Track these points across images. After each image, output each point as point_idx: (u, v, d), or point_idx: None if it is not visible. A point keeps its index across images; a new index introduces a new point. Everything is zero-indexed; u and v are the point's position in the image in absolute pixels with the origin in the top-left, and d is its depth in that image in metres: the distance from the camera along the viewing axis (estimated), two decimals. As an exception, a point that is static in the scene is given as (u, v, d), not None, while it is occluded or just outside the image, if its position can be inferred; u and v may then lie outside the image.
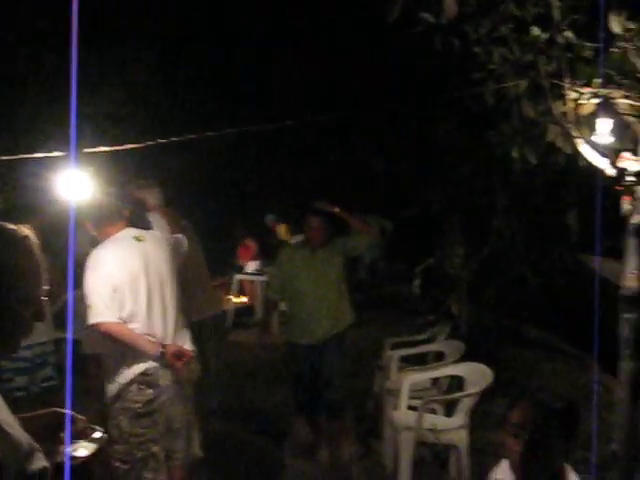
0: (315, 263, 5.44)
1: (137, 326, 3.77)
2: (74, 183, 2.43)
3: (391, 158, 7.77)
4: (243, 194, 12.64)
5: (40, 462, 1.58)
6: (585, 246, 8.58)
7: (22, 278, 1.61)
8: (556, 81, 3.85)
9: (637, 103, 3.67)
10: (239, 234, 11.72)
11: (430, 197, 7.11)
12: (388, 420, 5.31)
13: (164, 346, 3.80)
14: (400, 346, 6.33)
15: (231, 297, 10.91)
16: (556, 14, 3.73)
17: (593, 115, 3.71)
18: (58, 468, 1.70)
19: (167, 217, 4.62)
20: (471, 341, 6.25)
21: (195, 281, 5.19)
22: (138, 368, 3.76)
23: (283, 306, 6.25)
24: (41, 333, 4.41)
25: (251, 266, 11.26)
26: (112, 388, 3.81)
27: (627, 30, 3.56)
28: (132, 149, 3.54)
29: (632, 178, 3.53)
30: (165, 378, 3.83)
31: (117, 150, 3.43)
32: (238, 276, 11.11)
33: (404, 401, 5.16)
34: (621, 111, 3.68)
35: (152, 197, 4.78)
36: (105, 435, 2.02)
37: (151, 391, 3.78)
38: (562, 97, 3.84)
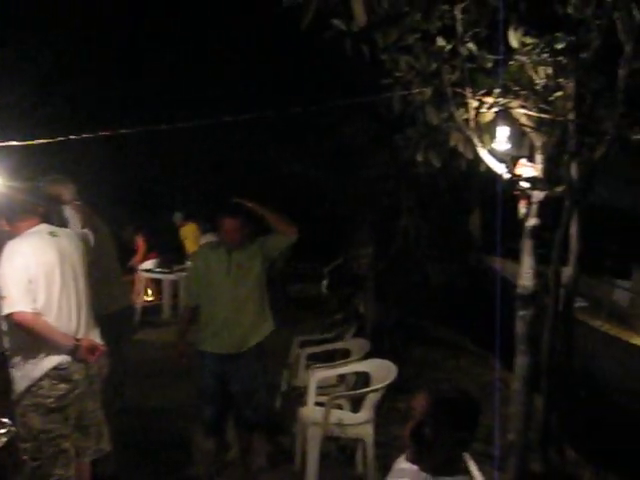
0: (231, 266, 4.94)
1: (50, 319, 3.73)
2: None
3: (301, 159, 7.87)
4: (154, 191, 12.50)
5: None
6: (489, 248, 8.97)
7: None
8: (459, 90, 4.05)
9: (533, 113, 3.91)
10: (126, 234, 11.53)
11: (339, 198, 7.25)
12: (296, 416, 5.39)
13: (78, 339, 3.78)
14: (308, 344, 6.44)
15: (139, 295, 10.78)
16: (459, 27, 3.92)
17: (493, 123, 3.92)
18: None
19: (80, 212, 4.62)
20: (377, 339, 6.44)
21: (106, 274, 5.15)
22: (51, 362, 3.71)
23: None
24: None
25: (147, 265, 11.10)
26: (21, 383, 3.74)
27: (524, 45, 3.79)
28: (44, 144, 3.51)
29: (527, 183, 3.75)
30: (78, 372, 3.80)
31: (28, 145, 3.39)
32: (144, 274, 10.97)
33: (311, 397, 5.25)
34: (518, 120, 3.91)
35: (66, 192, 4.73)
36: (13, 429, 2.02)
37: (64, 386, 3.74)
38: (464, 105, 4.04)
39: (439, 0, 3.91)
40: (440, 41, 4.07)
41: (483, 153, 3.91)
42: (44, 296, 3.71)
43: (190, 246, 11.71)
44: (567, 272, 3.82)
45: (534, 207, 3.83)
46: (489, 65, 3.99)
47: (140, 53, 9.98)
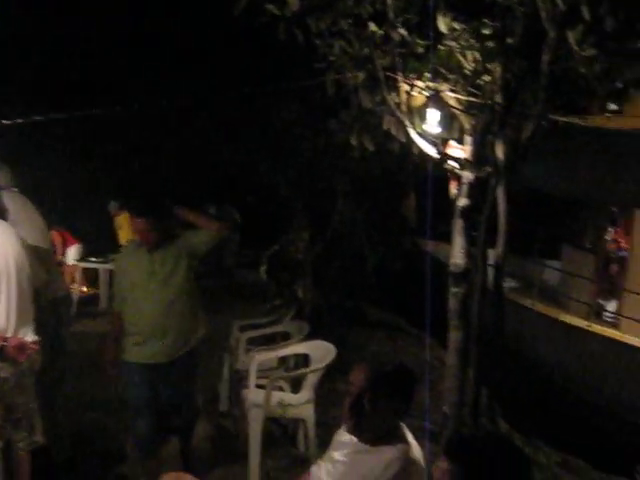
0: (154, 267, 4.47)
1: None
2: None
3: (236, 145, 7.87)
4: (90, 179, 12.31)
5: None
6: (424, 231, 9.16)
7: None
8: (391, 74, 4.15)
9: (462, 96, 4.05)
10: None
11: (275, 182, 7.28)
12: (238, 399, 5.45)
13: (5, 339, 3.71)
14: (247, 328, 6.48)
15: (75, 285, 10.60)
16: (391, 12, 4.02)
17: (424, 106, 4.04)
18: None
19: (15, 199, 4.52)
20: (316, 322, 6.52)
21: (42, 263, 5.03)
22: None
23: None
24: None
25: (70, 253, 10.88)
26: None
27: (453, 30, 3.91)
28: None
29: (456, 164, 3.89)
30: (5, 370, 3.75)
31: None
32: (81, 264, 10.78)
33: (253, 380, 5.31)
34: (448, 103, 4.04)
35: (2, 177, 4.64)
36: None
37: None
38: (396, 89, 4.14)
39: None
40: (372, 26, 4.16)
41: (415, 136, 4.03)
42: None
43: (124, 236, 11.59)
44: (496, 251, 3.96)
45: (464, 188, 3.96)
46: (420, 50, 4.10)
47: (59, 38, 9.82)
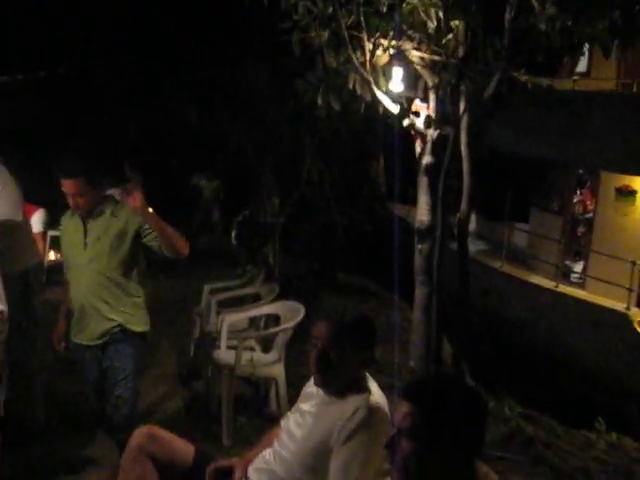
0: (87, 239, 3.92)
1: None
2: None
3: (203, 108, 7.80)
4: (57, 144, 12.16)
5: None
6: (393, 195, 9.22)
7: None
8: (355, 33, 4.16)
9: (426, 55, 4.08)
10: None
11: (243, 145, 7.26)
12: (209, 361, 5.49)
13: None
14: (218, 291, 6.51)
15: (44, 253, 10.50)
16: (354, -30, 4.02)
17: (388, 65, 4.06)
18: None
19: None
20: (285, 286, 6.56)
21: (14, 230, 4.92)
22: None
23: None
24: None
25: (34, 220, 10.77)
26: None
27: (415, -13, 3.92)
28: None
29: (420, 123, 3.93)
30: None
31: None
32: (50, 232, 10.67)
33: (224, 341, 5.34)
34: (412, 62, 4.07)
35: None
36: None
37: None
38: (361, 48, 4.16)
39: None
40: (336, -16, 4.15)
41: (380, 94, 4.06)
42: None
43: None
44: (461, 208, 4.02)
45: (428, 145, 4.01)
46: (383, 8, 4.11)
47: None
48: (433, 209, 4.09)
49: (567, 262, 11.53)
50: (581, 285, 10.71)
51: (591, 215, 11.56)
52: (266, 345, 5.68)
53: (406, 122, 4.01)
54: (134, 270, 3.98)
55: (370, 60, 4.03)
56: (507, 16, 3.87)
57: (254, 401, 5.64)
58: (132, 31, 9.49)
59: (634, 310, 9.45)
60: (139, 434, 2.98)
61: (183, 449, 3.03)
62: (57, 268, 11.07)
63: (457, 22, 3.89)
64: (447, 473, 1.98)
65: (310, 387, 2.97)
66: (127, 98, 9.97)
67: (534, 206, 12.58)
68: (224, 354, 5.26)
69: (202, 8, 7.69)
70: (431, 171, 4.07)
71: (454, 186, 4.35)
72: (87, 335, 3.97)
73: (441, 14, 3.91)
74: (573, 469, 4.73)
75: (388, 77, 4.04)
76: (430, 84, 4.05)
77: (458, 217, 4.13)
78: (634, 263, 9.48)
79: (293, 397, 5.17)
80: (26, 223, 5.21)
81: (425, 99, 4.10)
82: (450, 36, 3.97)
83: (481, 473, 2.07)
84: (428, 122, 3.94)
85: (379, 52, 4.07)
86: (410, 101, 4.09)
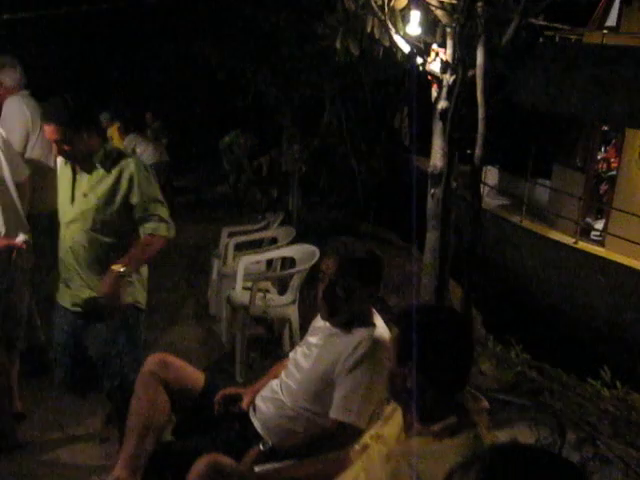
0: (74, 192, 3.51)
1: None
2: None
3: (225, 51, 7.76)
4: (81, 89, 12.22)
5: None
6: (417, 149, 9.20)
7: None
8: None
9: (445, -1, 4.06)
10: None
11: (264, 90, 7.24)
12: (225, 302, 5.62)
13: None
14: (236, 235, 6.61)
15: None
16: None
17: (406, 8, 4.06)
18: None
19: (30, 102, 4.41)
20: (301, 233, 6.61)
21: (45, 172, 5.00)
22: None
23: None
24: None
25: None
26: None
27: None
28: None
29: (437, 68, 3.94)
30: None
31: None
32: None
33: (239, 282, 5.47)
34: (430, 4, 4.05)
35: (7, 78, 4.47)
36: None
37: None
38: (380, -9, 4.14)
39: None
40: None
41: (397, 38, 4.06)
42: None
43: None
44: (476, 153, 4.04)
45: (444, 90, 4.02)
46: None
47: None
48: (447, 154, 4.11)
49: (588, 220, 11.48)
50: (601, 243, 10.67)
51: (614, 173, 11.44)
52: (282, 288, 5.81)
53: (422, 66, 4.02)
54: (125, 235, 3.52)
55: (388, 3, 4.02)
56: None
57: (268, 341, 5.78)
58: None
59: (653, 269, 9.43)
60: (152, 361, 3.10)
61: (194, 376, 3.16)
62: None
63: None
64: (435, 397, 2.08)
65: (318, 321, 3.07)
66: (147, 41, 9.94)
67: (557, 162, 12.48)
68: (239, 294, 5.39)
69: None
70: (446, 116, 4.08)
71: (469, 133, 4.35)
72: (69, 299, 3.60)
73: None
74: (579, 418, 4.80)
75: (406, 21, 4.04)
76: (448, 29, 4.03)
77: (471, 165, 4.15)
78: (655, 221, 9.43)
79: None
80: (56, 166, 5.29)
81: (442, 44, 4.09)
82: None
83: (472, 400, 2.16)
84: (444, 67, 3.95)
85: (398, -5, 4.05)
86: (428, 45, 4.09)
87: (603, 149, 12.45)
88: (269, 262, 6.19)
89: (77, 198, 3.49)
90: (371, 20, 4.17)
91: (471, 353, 2.16)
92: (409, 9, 4.01)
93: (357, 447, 2.38)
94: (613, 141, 12.28)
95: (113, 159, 3.46)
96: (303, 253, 5.43)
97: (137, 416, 2.94)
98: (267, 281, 5.76)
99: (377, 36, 4.21)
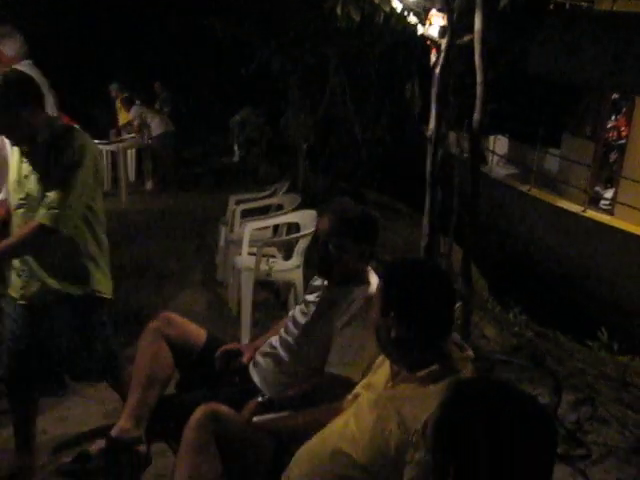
0: (20, 171, 3.18)
1: None
2: None
3: (227, 18, 7.73)
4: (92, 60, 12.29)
5: None
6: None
7: None
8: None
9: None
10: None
11: (267, 57, 7.22)
12: (232, 266, 5.73)
13: None
14: (243, 202, 6.70)
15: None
16: None
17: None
18: None
19: (32, 71, 4.44)
20: (307, 200, 6.67)
21: None
22: None
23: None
24: None
25: None
26: None
27: None
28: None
29: (435, 33, 3.97)
30: None
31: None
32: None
33: (245, 247, 5.56)
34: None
35: (8, 48, 4.39)
36: None
37: None
38: (380, -44, 4.16)
39: None
40: None
41: (396, 3, 4.09)
42: None
43: (123, 118, 11.75)
44: (474, 117, 4.08)
45: (442, 55, 4.06)
46: None
47: None
48: (446, 118, 4.17)
49: (597, 189, 11.46)
50: (610, 212, 10.67)
51: (624, 142, 11.40)
52: (287, 254, 5.90)
53: (421, 31, 4.05)
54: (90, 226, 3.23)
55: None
56: None
57: (273, 306, 5.89)
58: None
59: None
60: (157, 319, 3.20)
61: (196, 333, 3.26)
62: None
63: None
64: (418, 346, 2.17)
65: (316, 280, 3.17)
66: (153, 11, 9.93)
67: (567, 131, 12.43)
68: (245, 259, 5.49)
69: None
70: (446, 80, 4.13)
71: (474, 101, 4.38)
72: (16, 291, 3.29)
73: None
74: (578, 380, 4.89)
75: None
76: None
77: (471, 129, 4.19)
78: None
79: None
80: None
81: (442, 9, 4.11)
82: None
83: (457, 349, 2.25)
84: (442, 31, 3.98)
85: (397, -40, 4.07)
86: (427, 10, 4.12)
87: (614, 117, 12.38)
88: (275, 229, 6.29)
89: (21, 182, 3.16)
90: (371, -16, 4.20)
91: (452, 303, 2.24)
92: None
93: (349, 397, 2.48)
94: (624, 109, 12.20)
95: (59, 136, 3.08)
96: (307, 218, 5.51)
97: (141, 370, 3.05)
98: (272, 247, 5.86)
99: (376, 1, 4.24)
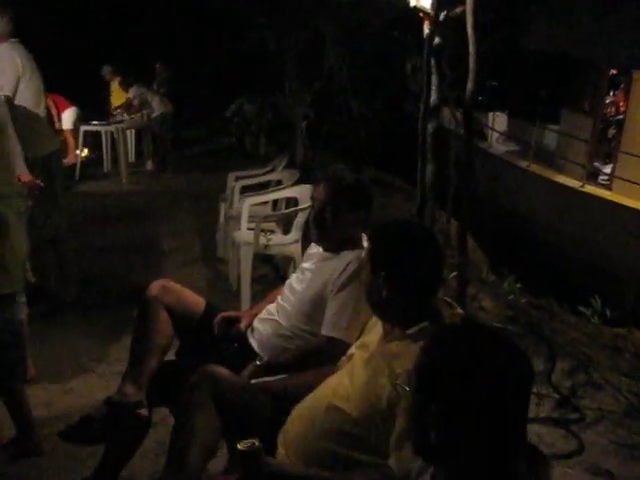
0: None
1: None
2: None
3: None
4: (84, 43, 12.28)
5: None
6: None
7: None
8: None
9: None
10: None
11: (263, 36, 7.21)
12: (231, 242, 5.79)
13: None
14: (242, 178, 6.75)
15: (78, 150, 10.80)
16: None
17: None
18: None
19: (19, 49, 4.52)
20: (304, 176, 6.71)
21: (36, 117, 5.11)
22: None
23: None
24: None
25: (66, 117, 10.90)
26: None
27: None
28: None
29: (427, 4, 4.00)
30: None
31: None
32: (83, 127, 10.91)
33: (244, 222, 5.61)
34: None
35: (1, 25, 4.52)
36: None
37: None
38: None
39: None
40: None
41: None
42: None
43: (116, 100, 11.75)
44: (467, 88, 4.11)
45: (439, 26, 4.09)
46: None
47: None
48: (440, 89, 4.21)
49: (596, 164, 11.48)
50: (608, 187, 10.70)
51: (622, 117, 11.40)
52: (286, 228, 5.95)
53: (413, 3, 4.08)
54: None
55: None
56: None
57: (273, 280, 5.96)
58: None
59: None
60: (155, 287, 3.25)
61: (195, 301, 3.31)
62: (90, 163, 11.56)
63: None
64: (408, 304, 2.24)
65: (312, 248, 3.23)
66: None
67: (565, 107, 12.44)
68: (244, 234, 5.55)
69: None
70: (439, 52, 4.17)
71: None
72: None
73: None
74: (573, 348, 4.95)
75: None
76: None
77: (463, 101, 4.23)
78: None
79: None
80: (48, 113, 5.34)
81: (436, -18, 4.14)
82: None
83: (447, 307, 2.32)
84: (435, 2, 4.02)
85: None
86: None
87: (612, 93, 12.37)
88: (274, 205, 6.34)
89: None
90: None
91: (439, 262, 2.30)
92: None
93: (344, 358, 2.55)
94: (622, 85, 12.19)
95: None
96: (306, 193, 5.53)
97: (141, 337, 3.11)
98: (271, 222, 5.92)
99: (370, -25, 4.27)
